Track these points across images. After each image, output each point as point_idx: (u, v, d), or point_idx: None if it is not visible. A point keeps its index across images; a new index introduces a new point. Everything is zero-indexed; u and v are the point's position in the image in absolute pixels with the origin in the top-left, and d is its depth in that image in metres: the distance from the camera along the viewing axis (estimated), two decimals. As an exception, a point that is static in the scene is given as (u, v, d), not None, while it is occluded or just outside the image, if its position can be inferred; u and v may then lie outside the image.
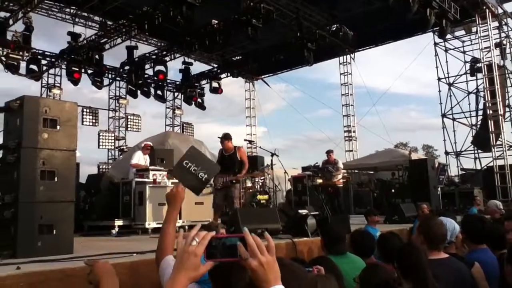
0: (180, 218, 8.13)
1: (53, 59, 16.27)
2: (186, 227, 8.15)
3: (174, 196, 2.42)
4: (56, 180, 4.28)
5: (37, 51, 15.58)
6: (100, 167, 18.76)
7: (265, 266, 1.18)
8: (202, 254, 1.19)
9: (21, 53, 14.61)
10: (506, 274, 2.52)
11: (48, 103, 4.47)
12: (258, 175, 9.39)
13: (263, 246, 1.19)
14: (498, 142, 14.73)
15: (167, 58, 17.07)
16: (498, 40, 16.32)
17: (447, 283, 2.65)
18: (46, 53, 16.11)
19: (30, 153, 4.16)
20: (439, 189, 13.24)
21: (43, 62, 16.06)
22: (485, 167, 16.30)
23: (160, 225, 7.50)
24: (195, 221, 8.07)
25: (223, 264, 1.68)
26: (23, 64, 14.99)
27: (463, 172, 18.55)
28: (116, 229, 7.58)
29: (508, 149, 14.93)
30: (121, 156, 17.96)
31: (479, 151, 17.92)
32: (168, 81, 19.43)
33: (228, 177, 7.73)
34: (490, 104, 15.05)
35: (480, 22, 15.30)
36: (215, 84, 18.71)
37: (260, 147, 8.57)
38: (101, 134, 18.73)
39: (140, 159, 9.42)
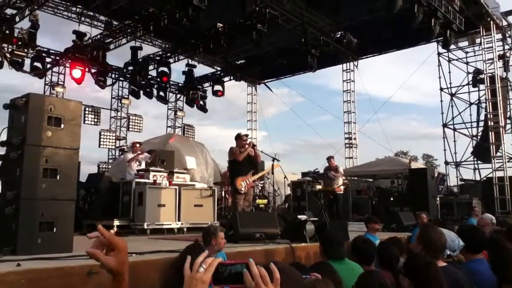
0: (179, 220, 8.16)
1: (57, 57, 16.31)
2: (185, 229, 8.18)
3: None
4: (58, 178, 4.30)
5: (41, 48, 15.63)
6: (100, 166, 18.77)
7: None
8: (209, 281, 1.22)
9: (25, 50, 14.67)
10: None
11: (53, 101, 4.50)
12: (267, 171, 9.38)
13: (267, 278, 1.22)
14: (498, 154, 14.76)
15: (171, 60, 17.12)
16: (501, 52, 16.36)
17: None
18: (51, 51, 16.16)
19: (33, 150, 4.19)
20: (438, 198, 13.27)
21: (48, 59, 16.10)
22: (484, 178, 16.32)
23: (158, 227, 7.54)
24: (194, 223, 8.10)
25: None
26: (27, 61, 15.05)
27: (462, 182, 18.54)
28: (115, 228, 7.60)
29: (508, 161, 14.95)
30: (121, 156, 17.99)
31: (479, 162, 17.92)
32: (171, 82, 19.45)
33: (250, 178, 7.81)
34: (491, 116, 15.08)
35: (484, 33, 15.37)
36: (217, 87, 18.77)
37: (262, 152, 8.57)
38: (102, 133, 18.74)
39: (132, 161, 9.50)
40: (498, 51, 15.63)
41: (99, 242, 1.39)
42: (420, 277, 2.60)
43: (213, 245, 4.19)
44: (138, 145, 9.87)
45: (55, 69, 16.96)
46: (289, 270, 1.49)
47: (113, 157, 19.10)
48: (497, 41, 15.58)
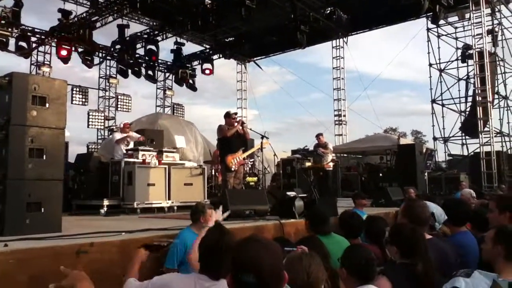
0: (169, 199, 8.18)
1: (43, 36, 16.02)
2: (175, 208, 8.21)
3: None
4: (44, 158, 4.26)
5: (26, 27, 15.32)
6: (90, 147, 18.68)
7: None
8: None
9: (10, 29, 14.37)
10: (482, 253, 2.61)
11: (37, 80, 4.43)
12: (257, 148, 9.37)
13: None
14: (486, 129, 14.88)
15: (159, 38, 16.91)
16: (490, 27, 16.34)
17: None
18: (36, 30, 15.85)
19: (18, 130, 4.14)
20: (426, 174, 13.40)
21: (33, 39, 15.82)
22: (472, 153, 16.50)
23: (148, 206, 7.56)
24: (184, 202, 8.13)
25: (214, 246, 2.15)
26: (12, 41, 14.77)
27: (450, 157, 18.74)
28: (105, 208, 7.60)
29: (495, 136, 15.09)
30: (110, 136, 17.90)
31: (467, 137, 18.09)
32: (160, 61, 19.26)
33: (240, 155, 7.83)
34: (479, 91, 15.13)
35: (473, 8, 15.29)
36: (206, 65, 18.61)
37: (251, 129, 8.55)
38: (90, 113, 18.60)
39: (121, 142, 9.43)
40: (487, 26, 15.59)
41: None
42: (406, 243, 2.65)
43: (202, 222, 4.20)
44: (128, 125, 9.78)
45: (41, 48, 16.68)
46: (270, 244, 1.51)
47: (102, 137, 19.01)
48: (486, 16, 15.52)
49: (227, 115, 7.95)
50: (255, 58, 21.34)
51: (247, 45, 18.73)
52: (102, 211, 7.52)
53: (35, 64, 16.73)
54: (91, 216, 7.22)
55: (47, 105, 4.32)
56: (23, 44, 15.22)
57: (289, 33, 15.19)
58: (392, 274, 2.51)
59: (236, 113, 8.29)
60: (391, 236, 2.81)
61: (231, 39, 18.92)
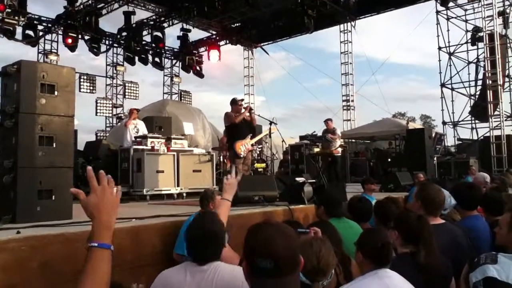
0: (178, 185, 8.21)
1: (49, 25, 16.02)
2: (184, 194, 8.25)
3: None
4: (54, 145, 4.27)
5: (33, 16, 15.31)
6: (98, 134, 18.77)
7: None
8: None
9: (16, 18, 14.36)
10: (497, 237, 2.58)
11: (45, 68, 4.42)
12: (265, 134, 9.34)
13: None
14: (496, 113, 14.73)
15: (165, 25, 16.83)
16: (501, 9, 16.08)
17: (443, 247, 2.72)
18: (43, 18, 15.85)
19: (28, 118, 4.14)
20: (435, 158, 13.33)
21: (40, 27, 15.83)
22: (482, 137, 16.37)
23: (158, 192, 7.58)
24: (193, 188, 8.16)
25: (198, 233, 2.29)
26: (19, 30, 14.78)
27: (460, 142, 18.60)
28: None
29: (505, 120, 14.95)
30: (118, 123, 17.95)
31: (477, 121, 17.93)
32: (166, 48, 19.20)
33: (248, 142, 7.82)
34: (489, 74, 14.96)
35: (484, -11, 15.06)
36: (213, 52, 18.53)
37: (259, 115, 8.53)
38: (98, 101, 18.65)
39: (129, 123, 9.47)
40: (498, 7, 15.35)
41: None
42: (410, 230, 2.63)
43: (211, 208, 4.22)
44: (136, 111, 9.79)
45: (48, 36, 16.69)
46: (285, 227, 1.50)
47: (111, 125, 19.08)
48: (497, -3, 15.28)
49: (234, 102, 7.91)
50: (262, 44, 21.18)
51: (253, 30, 18.57)
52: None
53: (42, 52, 16.76)
54: (101, 203, 7.25)
55: (55, 93, 4.31)
56: (30, 32, 15.23)
57: (296, 18, 15.03)
58: (397, 267, 2.47)
59: (242, 99, 8.25)
60: (396, 222, 2.79)
61: (237, 24, 18.78)
